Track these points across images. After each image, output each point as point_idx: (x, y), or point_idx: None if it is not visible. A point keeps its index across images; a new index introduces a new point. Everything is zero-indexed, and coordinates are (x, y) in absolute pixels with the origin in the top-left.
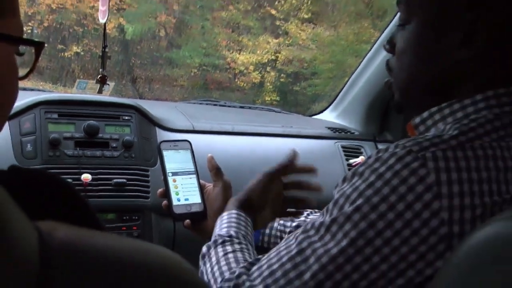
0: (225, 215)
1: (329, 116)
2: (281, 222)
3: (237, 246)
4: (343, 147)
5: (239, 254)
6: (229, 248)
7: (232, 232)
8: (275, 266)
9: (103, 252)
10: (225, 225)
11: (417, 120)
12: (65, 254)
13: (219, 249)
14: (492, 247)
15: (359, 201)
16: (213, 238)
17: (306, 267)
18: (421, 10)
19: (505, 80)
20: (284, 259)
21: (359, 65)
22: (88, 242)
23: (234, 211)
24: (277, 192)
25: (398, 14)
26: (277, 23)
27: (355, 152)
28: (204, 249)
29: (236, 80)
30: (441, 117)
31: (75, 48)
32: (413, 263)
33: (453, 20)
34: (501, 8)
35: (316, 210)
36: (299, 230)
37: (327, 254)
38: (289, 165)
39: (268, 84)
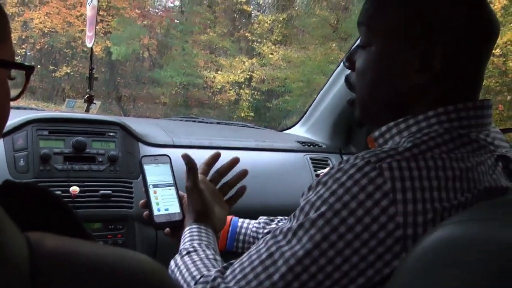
0: (186, 230)
1: (299, 131)
2: (254, 229)
3: (202, 255)
4: (311, 159)
5: (206, 261)
6: (195, 257)
7: (195, 244)
8: (247, 269)
9: (89, 260)
10: (188, 238)
11: (376, 133)
12: (54, 262)
13: (186, 258)
14: (444, 249)
15: (323, 208)
16: (179, 252)
17: (275, 269)
18: (381, 35)
19: (453, 98)
20: (255, 263)
21: (326, 83)
22: (74, 251)
23: (194, 225)
24: (212, 191)
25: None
26: (251, 45)
27: (323, 164)
28: (171, 262)
29: (214, 97)
30: (397, 131)
31: (65, 69)
32: (372, 263)
33: (411, 47)
34: (453, 37)
35: (285, 217)
36: (269, 236)
37: (294, 256)
38: (218, 171)
39: (244, 101)
